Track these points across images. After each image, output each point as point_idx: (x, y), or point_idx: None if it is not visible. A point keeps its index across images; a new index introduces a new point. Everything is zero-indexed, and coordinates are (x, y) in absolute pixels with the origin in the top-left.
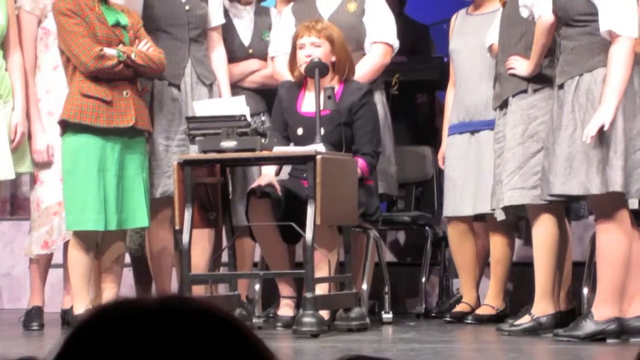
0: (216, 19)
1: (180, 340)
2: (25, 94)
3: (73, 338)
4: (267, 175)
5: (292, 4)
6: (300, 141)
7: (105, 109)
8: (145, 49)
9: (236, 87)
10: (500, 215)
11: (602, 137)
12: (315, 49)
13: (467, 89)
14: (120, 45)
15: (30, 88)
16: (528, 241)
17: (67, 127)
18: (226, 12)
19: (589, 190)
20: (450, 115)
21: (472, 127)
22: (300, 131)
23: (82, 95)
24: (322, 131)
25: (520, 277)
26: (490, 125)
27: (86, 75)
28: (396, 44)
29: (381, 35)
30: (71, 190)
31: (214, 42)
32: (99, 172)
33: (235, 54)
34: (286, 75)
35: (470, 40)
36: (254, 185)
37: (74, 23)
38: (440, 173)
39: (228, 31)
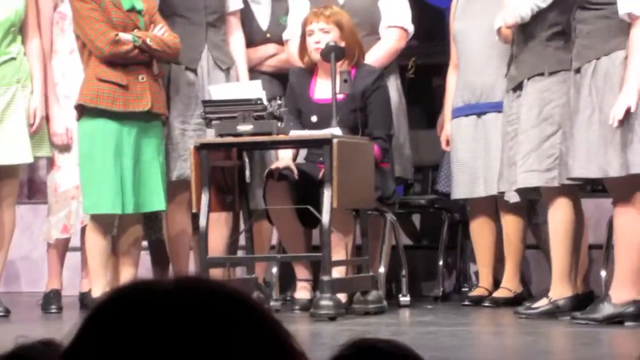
0: (234, 3)
1: (197, 321)
2: (43, 78)
3: (91, 320)
4: (284, 158)
5: None
6: (314, 129)
7: (122, 94)
8: (161, 33)
9: (253, 71)
10: (513, 198)
11: (622, 120)
12: (324, 35)
13: (473, 71)
14: (136, 30)
15: (47, 72)
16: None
17: (84, 111)
18: None
19: (607, 173)
20: (455, 97)
21: (478, 110)
22: (314, 118)
23: (98, 80)
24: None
25: (536, 260)
26: (497, 107)
27: (101, 60)
28: (411, 28)
29: (396, 20)
30: (88, 175)
31: (232, 26)
32: (116, 156)
33: (253, 38)
34: (300, 60)
35: (476, 22)
36: (272, 167)
37: (89, 8)
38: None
39: (246, 16)
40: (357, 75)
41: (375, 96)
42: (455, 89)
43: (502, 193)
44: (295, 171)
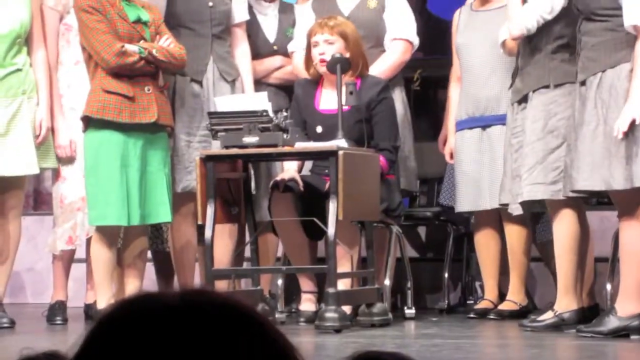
0: (240, 15)
1: (202, 334)
2: (49, 90)
3: (95, 332)
4: (289, 169)
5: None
6: (319, 139)
7: (128, 105)
8: (166, 44)
9: (259, 83)
10: (517, 210)
11: (626, 132)
12: (328, 47)
13: (477, 84)
14: (142, 42)
15: (53, 84)
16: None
17: (90, 123)
18: (251, 9)
19: (611, 186)
20: (458, 110)
21: (483, 122)
22: (319, 129)
23: (105, 92)
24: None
25: (541, 273)
26: (501, 120)
27: (108, 71)
28: (416, 40)
29: (401, 32)
30: (94, 186)
31: (238, 38)
32: (122, 168)
33: (259, 50)
34: (304, 71)
35: (479, 35)
36: (277, 178)
37: (95, 20)
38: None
39: (253, 28)
40: (362, 86)
41: (380, 107)
42: (459, 101)
43: (504, 205)
44: (301, 183)
